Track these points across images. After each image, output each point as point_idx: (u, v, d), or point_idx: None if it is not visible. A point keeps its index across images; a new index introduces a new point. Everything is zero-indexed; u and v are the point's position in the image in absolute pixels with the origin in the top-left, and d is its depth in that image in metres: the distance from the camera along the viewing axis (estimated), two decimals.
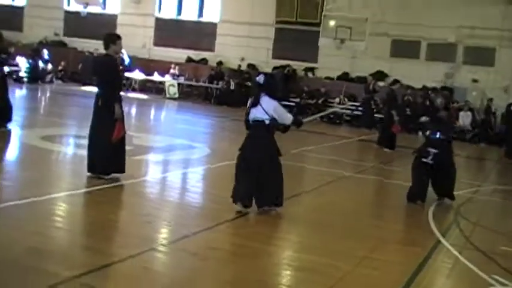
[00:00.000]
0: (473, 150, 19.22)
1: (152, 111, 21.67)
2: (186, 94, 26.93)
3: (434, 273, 5.97)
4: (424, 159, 8.99)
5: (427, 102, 20.59)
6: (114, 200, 7.59)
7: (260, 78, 7.36)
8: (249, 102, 7.42)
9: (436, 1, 23.58)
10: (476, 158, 17.73)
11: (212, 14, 28.28)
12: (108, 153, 8.13)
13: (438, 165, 8.96)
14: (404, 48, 24.65)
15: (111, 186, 7.99)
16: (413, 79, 22.26)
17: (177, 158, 11.37)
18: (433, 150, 8.93)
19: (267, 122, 7.18)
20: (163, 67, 27.14)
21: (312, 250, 6.22)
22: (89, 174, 8.29)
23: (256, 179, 7.12)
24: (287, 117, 7.33)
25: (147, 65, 27.47)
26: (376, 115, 22.43)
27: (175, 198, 8.22)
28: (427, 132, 9.19)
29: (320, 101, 24.38)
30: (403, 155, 14.89)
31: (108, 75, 8.20)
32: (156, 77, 26.91)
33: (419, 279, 5.61)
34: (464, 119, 22.03)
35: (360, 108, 23.06)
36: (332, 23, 23.64)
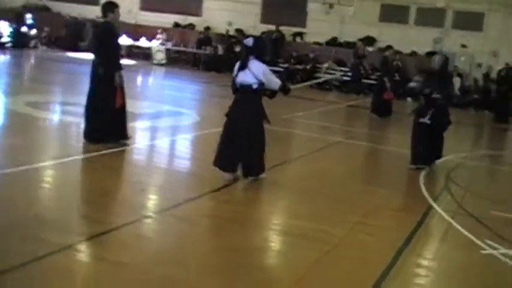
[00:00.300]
0: (462, 115, 19.24)
1: (139, 78, 21.37)
2: (174, 60, 26.58)
3: (427, 239, 6.00)
4: (421, 120, 8.88)
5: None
6: (106, 167, 7.48)
7: (249, 41, 7.12)
8: (236, 65, 7.14)
9: None
10: (465, 124, 17.76)
11: None
12: (109, 121, 8.17)
13: (435, 125, 8.85)
14: (393, 13, 24.45)
15: (101, 153, 7.87)
16: (402, 44, 22.07)
17: (166, 125, 11.26)
18: (430, 110, 8.81)
19: (255, 86, 6.97)
20: (150, 32, 26.70)
21: (303, 216, 6.20)
22: (84, 141, 8.26)
23: (242, 146, 6.96)
24: (275, 82, 7.12)
25: (134, 31, 26.99)
26: (364, 80, 22.42)
27: (165, 165, 8.19)
28: (426, 91, 8.99)
29: (309, 67, 24.19)
30: (392, 121, 14.94)
31: (108, 42, 8.20)
32: (143, 42, 26.52)
33: (413, 244, 5.62)
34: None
35: (349, 74, 22.98)
36: None
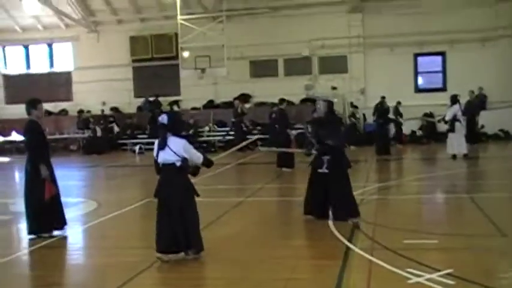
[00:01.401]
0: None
1: (17, 174, 20.36)
2: (52, 149, 25.63)
3: (355, 281, 6.06)
4: (319, 170, 8.74)
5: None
6: (8, 278, 6.96)
7: (163, 118, 6.87)
8: (155, 145, 6.95)
9: (284, 19, 24.58)
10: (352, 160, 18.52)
11: (64, 63, 27.39)
12: (42, 212, 8.44)
13: (333, 173, 8.65)
14: (262, 68, 25.46)
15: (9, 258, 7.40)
16: (275, 96, 22.84)
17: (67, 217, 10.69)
18: (326, 157, 8.70)
19: (178, 163, 6.80)
20: (20, 125, 25.50)
21: (238, 284, 6.11)
22: (30, 236, 8.51)
23: (178, 223, 6.74)
24: (197, 156, 6.96)
25: (2, 126, 25.98)
26: (247, 136, 22.82)
27: (79, 261, 7.72)
28: (316, 140, 8.86)
29: (191, 132, 24.33)
30: (282, 172, 15.26)
31: (32, 139, 8.61)
32: (14, 136, 25.42)
33: None
34: None
35: (231, 133, 23.37)
36: (189, 54, 23.87)
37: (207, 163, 7.14)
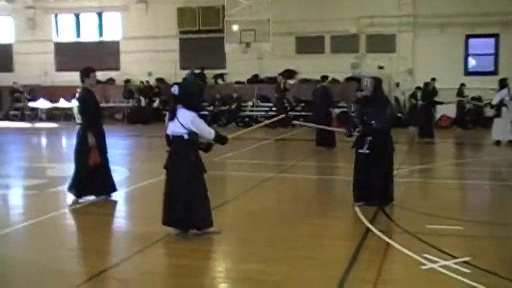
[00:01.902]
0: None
1: (63, 139, 20.91)
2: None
3: (369, 262, 6.00)
4: (360, 150, 8.31)
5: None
6: (37, 236, 7.19)
7: (175, 89, 6.80)
8: (166, 115, 6.94)
9: None
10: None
11: (113, 33, 27.76)
12: (86, 177, 8.85)
13: (374, 154, 8.18)
14: (308, 44, 25.12)
15: (31, 222, 7.64)
16: (321, 73, 22.53)
17: None
18: (368, 138, 8.22)
19: (186, 136, 6.65)
20: (69, 92, 26.05)
21: (247, 258, 6.15)
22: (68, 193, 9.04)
23: (182, 199, 6.66)
24: (207, 131, 6.78)
25: (52, 92, 26.64)
26: (290, 113, 22.75)
27: (100, 227, 7.89)
28: (360, 119, 8.38)
29: (233, 107, 24.41)
30: (319, 150, 15.15)
31: (84, 108, 9.00)
32: (62, 103, 26.02)
33: (355, 270, 5.65)
34: None
35: (274, 109, 23.29)
36: (235, 27, 23.73)
37: (220, 140, 6.93)
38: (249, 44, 23.25)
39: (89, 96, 8.97)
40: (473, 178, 11.56)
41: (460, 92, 21.45)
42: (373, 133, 8.17)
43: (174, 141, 6.81)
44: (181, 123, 6.65)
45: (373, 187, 8.23)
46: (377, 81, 8.41)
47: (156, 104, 25.40)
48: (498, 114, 16.72)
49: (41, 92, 26.99)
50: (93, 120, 8.94)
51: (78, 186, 8.98)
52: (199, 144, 6.82)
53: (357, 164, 8.40)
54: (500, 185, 10.43)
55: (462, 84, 21.58)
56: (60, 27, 28.59)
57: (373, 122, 8.15)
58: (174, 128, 6.72)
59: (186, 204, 6.66)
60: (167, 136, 6.90)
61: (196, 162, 6.80)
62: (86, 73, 8.96)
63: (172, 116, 6.72)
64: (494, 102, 16.99)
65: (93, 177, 8.87)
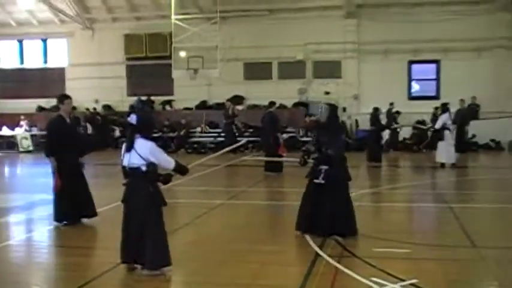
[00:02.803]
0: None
1: (5, 169, 20.32)
2: (42, 145, 25.56)
3: None
4: (315, 180, 7.95)
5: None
6: None
7: (132, 118, 6.39)
8: (123, 146, 6.51)
9: (279, 22, 24.52)
10: None
11: (58, 59, 27.33)
12: (55, 202, 9.18)
13: (330, 184, 7.86)
14: (256, 70, 25.38)
15: None
16: (269, 98, 22.75)
17: (40, 215, 10.58)
18: (324, 167, 7.92)
19: (144, 168, 6.28)
20: (12, 120, 25.62)
21: (198, 287, 6.04)
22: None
23: (137, 234, 6.30)
24: (167, 161, 6.39)
25: None
26: (238, 138, 22.79)
27: (43, 259, 7.63)
28: (314, 147, 8.13)
29: (182, 133, 24.28)
30: (268, 176, 15.18)
31: (48, 136, 9.37)
32: (5, 131, 25.33)
33: None
34: None
35: (222, 134, 23.29)
36: (183, 54, 23.79)
37: (180, 170, 6.54)
38: (197, 70, 23.30)
39: (58, 122, 9.12)
40: (419, 201, 11.79)
41: (392, 116, 21.84)
42: (329, 161, 7.90)
43: (131, 174, 6.41)
44: (139, 154, 6.28)
45: (322, 217, 7.88)
46: (332, 108, 8.18)
47: (117, 133, 24.99)
48: (441, 138, 17.15)
49: None
50: (60, 147, 9.01)
51: (54, 211, 9.25)
52: (158, 176, 6.43)
53: (308, 193, 8.12)
54: (444, 207, 10.65)
55: (396, 112, 22.08)
56: (2, 54, 27.94)
57: (330, 150, 7.91)
58: (131, 159, 6.34)
59: (137, 241, 6.32)
60: (123, 168, 6.48)
61: (155, 194, 6.40)
62: (60, 100, 9.17)
63: (130, 147, 6.34)
64: (437, 126, 17.45)
65: (62, 202, 9.09)
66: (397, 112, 22.12)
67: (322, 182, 7.86)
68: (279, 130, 16.56)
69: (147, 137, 6.40)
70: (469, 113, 22.00)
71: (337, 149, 7.98)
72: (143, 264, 6.37)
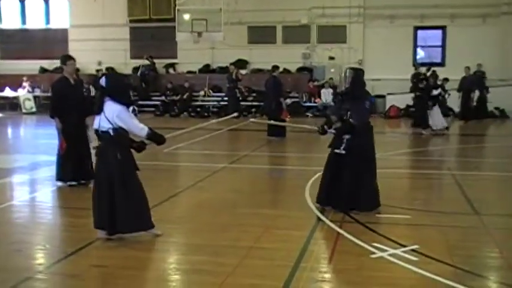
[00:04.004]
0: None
1: (9, 130, 20.34)
2: (45, 107, 25.55)
3: (319, 252, 6.06)
4: (336, 150, 7.53)
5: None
6: None
7: (102, 80, 6.20)
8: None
9: None
10: None
11: (61, 20, 27.06)
12: (60, 162, 9.22)
13: (351, 154, 7.40)
14: (260, 34, 25.11)
15: None
16: (273, 63, 22.60)
17: (44, 176, 10.63)
18: (346, 137, 7.46)
19: (112, 132, 6.09)
20: (14, 81, 25.50)
21: (198, 250, 6.10)
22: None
23: (109, 203, 6.15)
24: (138, 128, 6.13)
25: None
26: (242, 103, 22.76)
27: (47, 220, 7.69)
28: (335, 116, 7.62)
29: (185, 96, 24.19)
30: (271, 141, 15.17)
31: (52, 97, 9.41)
32: (8, 92, 25.26)
33: (305, 261, 5.66)
34: (326, 95, 22.92)
35: (225, 98, 23.21)
36: (187, 16, 23.49)
37: (155, 138, 6.29)
38: (201, 33, 23.05)
39: (62, 83, 9.05)
40: (422, 167, 11.79)
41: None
42: (351, 130, 7.39)
43: (101, 137, 6.24)
44: (106, 118, 6.08)
45: (342, 191, 7.45)
46: (357, 73, 7.57)
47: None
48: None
49: None
50: (65, 108, 8.99)
51: (57, 171, 9.32)
52: (130, 142, 6.30)
53: (328, 164, 7.65)
54: (447, 174, 10.67)
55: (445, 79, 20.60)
56: (4, 14, 27.67)
57: (352, 119, 7.35)
58: (101, 122, 6.15)
59: (110, 207, 6.16)
60: (96, 131, 6.29)
61: (123, 161, 6.18)
62: (63, 61, 9.05)
63: (99, 110, 6.14)
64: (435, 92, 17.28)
65: (67, 163, 9.14)
66: (446, 79, 20.66)
67: (343, 152, 7.41)
68: (282, 95, 16.45)
69: (120, 101, 6.17)
70: (475, 80, 21.76)
71: (360, 117, 7.41)
72: (112, 231, 6.26)
